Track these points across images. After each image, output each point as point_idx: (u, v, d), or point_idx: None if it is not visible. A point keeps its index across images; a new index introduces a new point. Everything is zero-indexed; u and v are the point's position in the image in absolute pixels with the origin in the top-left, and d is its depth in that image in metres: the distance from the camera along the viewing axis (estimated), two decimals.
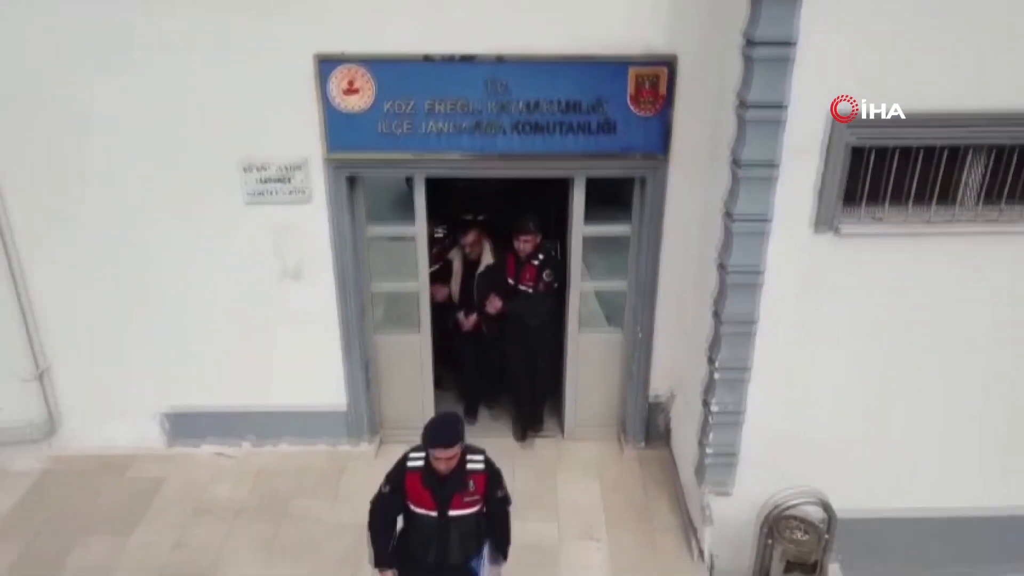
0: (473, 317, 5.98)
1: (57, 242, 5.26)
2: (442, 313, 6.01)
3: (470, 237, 5.94)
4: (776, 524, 4.64)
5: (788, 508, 4.58)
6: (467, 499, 3.88)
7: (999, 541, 5.16)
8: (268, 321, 5.50)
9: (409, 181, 5.40)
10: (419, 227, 5.45)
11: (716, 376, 4.63)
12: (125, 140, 4.97)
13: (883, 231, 4.30)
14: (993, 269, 4.41)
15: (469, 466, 3.87)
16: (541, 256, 5.65)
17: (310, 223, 5.21)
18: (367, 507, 4.01)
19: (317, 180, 5.08)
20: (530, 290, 5.69)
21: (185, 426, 5.78)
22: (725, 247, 4.37)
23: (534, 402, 6.12)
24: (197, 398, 5.70)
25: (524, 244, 5.60)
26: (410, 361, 5.85)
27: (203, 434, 5.82)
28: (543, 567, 4.97)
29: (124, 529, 5.23)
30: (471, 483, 3.87)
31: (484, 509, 3.95)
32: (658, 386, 5.81)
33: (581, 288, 5.70)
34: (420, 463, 3.84)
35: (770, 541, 4.63)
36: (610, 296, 5.90)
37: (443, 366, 6.23)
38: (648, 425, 5.93)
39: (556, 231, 6.04)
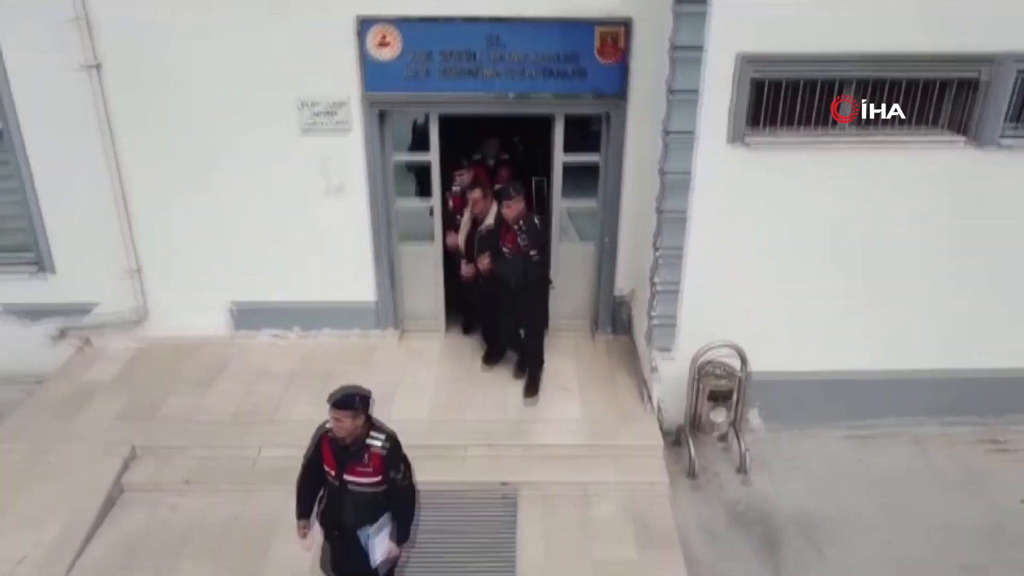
0: (470, 267, 6.71)
1: (153, 165, 6.74)
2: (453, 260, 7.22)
3: (476, 193, 6.55)
4: (702, 369, 6.13)
5: (710, 350, 6.06)
6: (360, 470, 4.26)
7: (884, 397, 6.65)
8: (314, 230, 6.97)
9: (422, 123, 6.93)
10: (433, 156, 6.94)
11: (659, 259, 6.12)
12: (212, 81, 6.45)
13: (779, 142, 5.79)
14: (863, 172, 5.89)
15: (369, 441, 4.26)
16: (522, 223, 6.26)
17: (349, 150, 6.70)
18: (393, 376, 5.37)
19: (356, 115, 6.57)
20: (509, 254, 6.37)
21: (247, 317, 7.27)
22: (664, 157, 5.84)
23: (521, 351, 6.86)
24: (257, 294, 7.19)
25: (507, 210, 6.25)
26: (425, 266, 7.32)
27: (260, 324, 7.32)
28: (532, 408, 6.47)
29: (203, 386, 6.74)
30: (367, 456, 4.25)
31: (386, 488, 4.34)
32: (622, 286, 7.28)
33: (560, 207, 7.19)
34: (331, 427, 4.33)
35: (697, 380, 6.13)
36: (583, 214, 7.38)
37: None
38: (614, 318, 7.42)
39: (544, 168, 7.51)
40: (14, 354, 7.16)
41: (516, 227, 6.27)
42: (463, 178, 6.98)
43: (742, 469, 6.29)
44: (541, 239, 6.43)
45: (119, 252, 6.95)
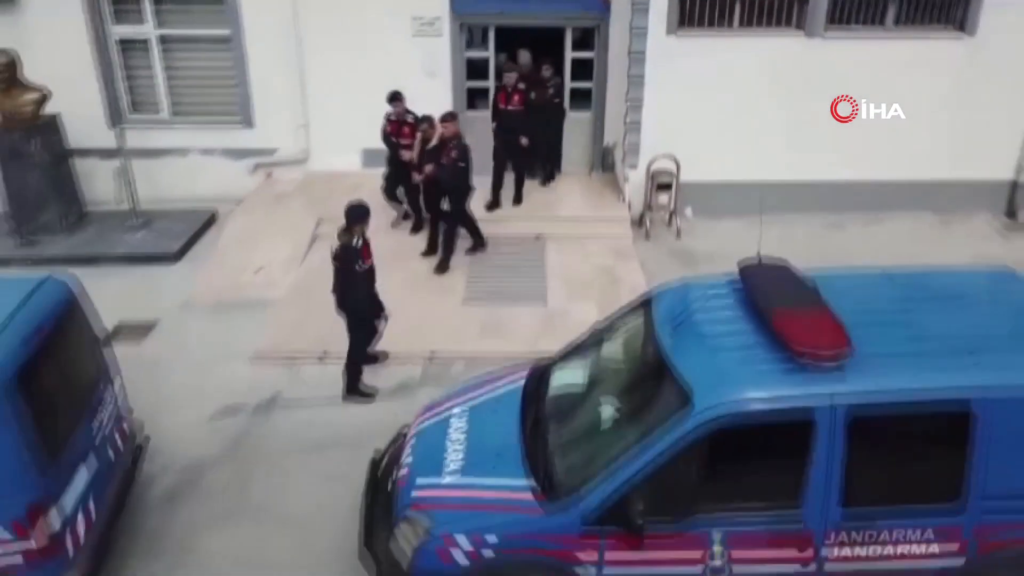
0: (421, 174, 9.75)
1: (322, 58, 10.93)
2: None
3: (427, 124, 9.62)
4: (654, 174, 10.34)
5: (657, 160, 10.27)
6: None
7: (793, 199, 10.79)
8: (421, 98, 11.01)
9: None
10: (490, 52, 11.17)
11: (628, 106, 10.33)
12: (358, 2, 10.67)
13: (693, 34, 10.03)
14: (741, 51, 10.11)
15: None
16: (455, 141, 9.11)
17: (441, 48, 10.93)
18: None
19: (445, 26, 10.79)
20: (447, 163, 9.12)
21: (372, 158, 11.45)
22: (630, 44, 10.06)
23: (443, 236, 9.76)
24: (379, 143, 11.38)
25: (444, 129, 9.23)
26: (486, 127, 11.54)
27: (381, 163, 11.50)
28: (548, 205, 10.70)
29: (353, 194, 10.94)
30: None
31: None
32: (608, 139, 11.51)
33: (568, 86, 11.41)
34: None
35: (650, 180, 10.34)
36: (582, 92, 11.58)
37: None
38: (603, 161, 11.64)
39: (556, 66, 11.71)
40: (225, 182, 11.37)
41: (452, 143, 9.24)
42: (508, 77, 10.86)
43: (677, 236, 10.53)
44: (467, 154, 9.24)
45: (294, 113, 11.18)
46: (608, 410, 4.95)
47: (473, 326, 8.45)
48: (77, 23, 10.63)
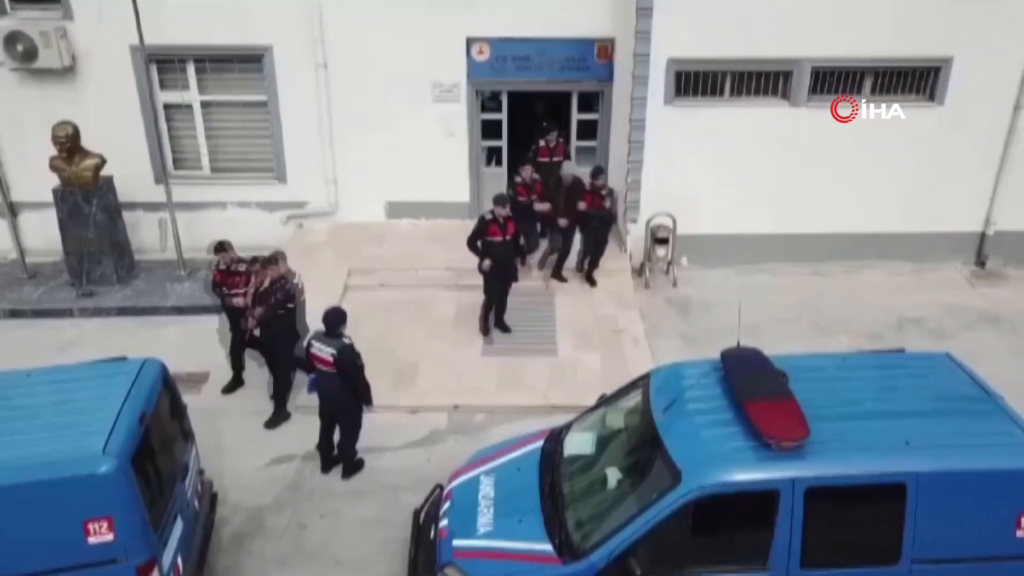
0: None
1: (347, 120, 11.98)
2: None
3: (257, 267, 9.04)
4: (653, 228, 11.37)
5: (656, 217, 11.30)
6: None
7: (779, 250, 11.82)
8: (439, 155, 12.18)
9: (495, 98, 12.21)
10: (503, 115, 12.20)
11: (629, 168, 11.36)
12: (385, 69, 11.69)
13: (689, 104, 11.06)
14: (732, 120, 11.15)
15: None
16: (280, 284, 8.65)
17: (459, 112, 11.96)
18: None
19: (463, 92, 11.83)
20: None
21: (395, 209, 12.52)
22: (631, 111, 11.08)
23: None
24: (401, 196, 12.44)
25: (273, 271, 8.67)
26: (499, 181, 12.56)
27: (403, 214, 12.55)
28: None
29: (377, 244, 12.01)
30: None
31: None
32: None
33: (575, 144, 12.44)
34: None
35: (650, 234, 11.37)
36: (587, 150, 12.60)
37: None
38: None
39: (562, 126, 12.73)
40: (261, 233, 12.40)
41: (276, 285, 8.69)
42: (525, 173, 11.25)
43: (674, 284, 11.56)
44: (293, 297, 8.76)
45: (324, 170, 12.22)
46: (612, 478, 5.99)
47: (491, 377, 9.50)
48: (129, 91, 11.69)
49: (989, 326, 10.74)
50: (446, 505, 6.44)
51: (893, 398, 5.95)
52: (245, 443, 8.55)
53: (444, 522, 6.25)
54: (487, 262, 9.82)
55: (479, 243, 9.85)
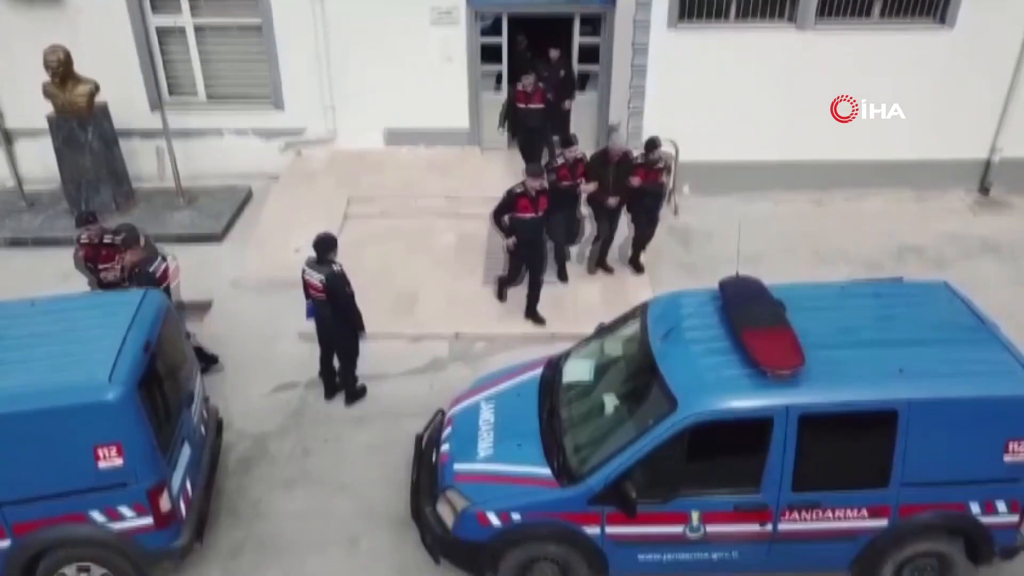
0: None
1: (344, 45, 11.72)
2: None
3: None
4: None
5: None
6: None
7: (782, 177, 11.72)
8: (438, 81, 11.97)
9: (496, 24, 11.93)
10: (503, 39, 11.92)
11: (632, 93, 11.17)
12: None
13: (692, 27, 10.79)
14: (735, 43, 10.90)
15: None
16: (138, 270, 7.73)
17: (458, 35, 11.69)
18: (479, 169, 10.50)
19: (462, 14, 11.54)
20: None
21: (394, 136, 12.38)
22: (634, 36, 10.83)
23: None
24: (400, 122, 12.27)
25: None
26: (495, 106, 12.37)
27: (403, 141, 12.42)
28: None
29: (377, 173, 11.93)
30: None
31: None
32: (613, 119, 12.36)
33: (576, 68, 12.19)
34: None
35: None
36: (592, 74, 12.36)
37: None
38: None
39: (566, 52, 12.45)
40: (258, 160, 12.32)
41: (136, 270, 7.84)
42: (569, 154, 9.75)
43: (675, 213, 11.50)
44: (150, 280, 7.70)
45: (321, 96, 12.03)
46: (609, 405, 6.10)
47: (492, 306, 9.55)
48: (120, 15, 11.42)
49: (990, 255, 10.73)
50: (447, 430, 6.57)
51: (889, 327, 6.01)
52: (251, 371, 8.68)
53: (445, 447, 6.39)
54: (512, 240, 8.99)
55: (506, 218, 8.98)
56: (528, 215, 8.80)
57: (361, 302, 8.42)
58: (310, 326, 8.47)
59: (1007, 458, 5.55)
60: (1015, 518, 5.77)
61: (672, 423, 5.42)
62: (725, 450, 5.56)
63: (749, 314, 5.84)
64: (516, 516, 5.75)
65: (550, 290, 9.80)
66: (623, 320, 6.79)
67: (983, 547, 5.86)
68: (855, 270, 10.09)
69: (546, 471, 5.81)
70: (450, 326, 9.25)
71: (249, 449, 7.71)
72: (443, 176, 11.89)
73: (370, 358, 8.72)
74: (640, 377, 6.01)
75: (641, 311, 6.50)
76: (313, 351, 8.60)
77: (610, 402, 6.15)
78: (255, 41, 11.87)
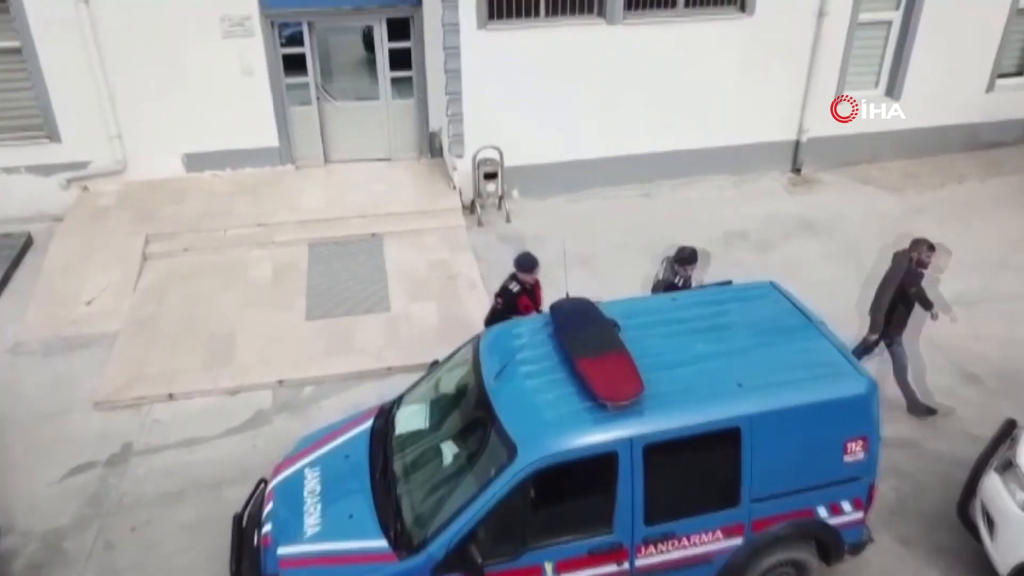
0: None
1: (130, 64, 10.46)
2: None
3: None
4: (479, 162, 10.81)
5: (482, 151, 10.75)
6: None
7: (608, 173, 11.56)
8: (239, 97, 10.95)
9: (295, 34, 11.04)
10: (307, 49, 11.07)
11: (449, 100, 10.66)
12: (157, 4, 10.25)
13: (501, 27, 10.41)
14: (542, 40, 10.64)
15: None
16: None
17: (256, 46, 10.72)
18: (296, 187, 9.64)
19: (256, 24, 10.57)
20: None
21: (195, 161, 11.24)
22: (444, 39, 10.30)
23: None
24: (201, 146, 11.14)
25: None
26: (310, 121, 11.51)
27: (204, 166, 11.30)
28: (383, 200, 10.98)
29: (178, 203, 10.77)
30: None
31: None
32: (434, 124, 11.80)
33: (388, 75, 11.54)
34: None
35: (477, 169, 10.81)
36: (404, 80, 11.74)
37: None
38: (431, 147, 11.96)
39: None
40: (37, 200, 10.82)
41: None
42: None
43: (507, 219, 11.13)
44: None
45: (105, 123, 10.70)
46: (447, 455, 5.55)
47: (319, 343, 8.76)
48: None
49: (807, 233, 11.06)
50: (268, 507, 5.80)
51: (723, 337, 5.80)
52: (36, 454, 7.44)
53: (267, 527, 5.62)
54: None
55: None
56: (532, 313, 7.22)
57: (169, 353, 7.47)
58: (107, 392, 7.39)
59: (847, 458, 5.50)
60: (859, 515, 5.76)
61: (513, 472, 4.94)
62: (573, 492, 5.16)
63: (583, 341, 5.46)
64: None
65: (382, 316, 9.21)
66: (455, 356, 6.26)
67: (834, 547, 5.81)
68: None
69: (382, 543, 5.18)
70: (273, 372, 8.37)
71: (38, 552, 6.56)
72: (254, 200, 10.90)
73: (182, 419, 7.77)
74: (476, 421, 5.49)
75: (473, 346, 6.00)
76: (112, 422, 7.55)
77: (448, 452, 5.60)
78: (16, 66, 10.39)
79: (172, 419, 7.81)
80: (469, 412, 5.69)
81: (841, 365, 5.58)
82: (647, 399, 5.12)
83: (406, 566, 5.06)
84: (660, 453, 5.11)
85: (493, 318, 7.22)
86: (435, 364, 6.47)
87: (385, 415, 6.16)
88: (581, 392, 5.21)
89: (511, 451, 5.01)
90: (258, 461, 7.24)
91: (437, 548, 5.01)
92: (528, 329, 5.93)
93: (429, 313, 9.28)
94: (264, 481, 6.31)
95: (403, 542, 5.17)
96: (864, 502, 5.72)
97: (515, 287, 7.37)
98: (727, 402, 5.24)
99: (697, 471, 5.32)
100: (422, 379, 6.40)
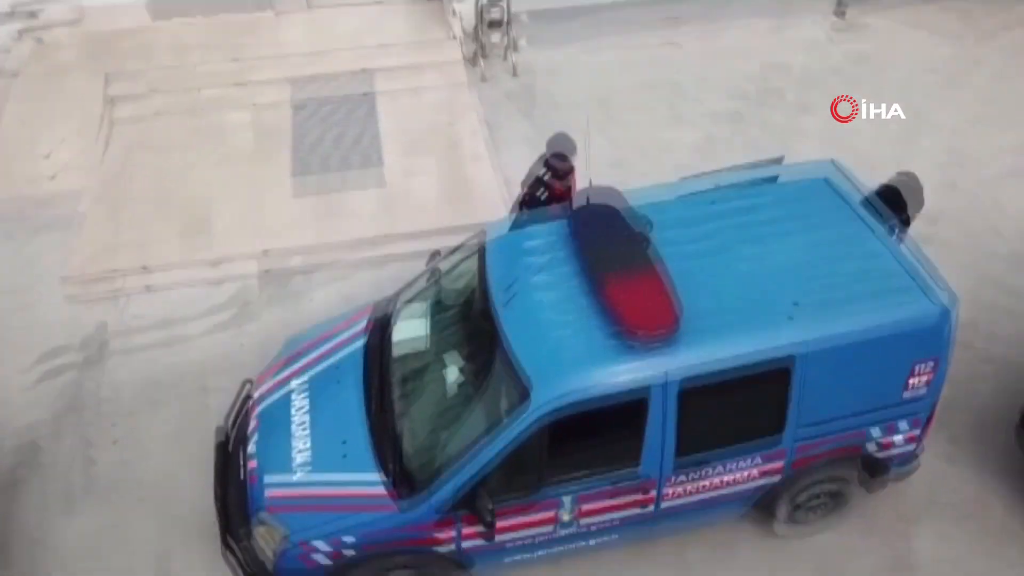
0: None
1: None
2: None
3: None
4: (482, 8, 9.45)
5: None
6: None
7: (631, 17, 10.15)
8: None
9: None
10: None
11: None
12: None
13: None
14: None
15: None
16: None
17: None
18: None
19: None
20: None
21: (160, 6, 9.85)
22: None
23: None
24: None
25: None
26: None
27: (171, 13, 9.87)
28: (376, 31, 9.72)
29: (144, 56, 9.54)
30: None
31: None
32: None
33: None
34: None
35: (480, 16, 9.49)
36: None
37: None
38: None
39: None
40: None
41: None
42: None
43: (514, 73, 9.92)
44: None
45: None
46: (451, 382, 4.91)
47: (307, 214, 7.88)
48: None
49: (851, 86, 9.87)
50: (253, 427, 5.21)
51: (774, 243, 4.91)
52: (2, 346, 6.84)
53: (253, 454, 5.05)
54: None
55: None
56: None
57: (140, 232, 6.70)
58: (77, 275, 6.69)
59: (910, 383, 4.84)
60: (912, 445, 5.19)
61: (526, 417, 4.30)
62: (595, 432, 4.52)
63: (608, 258, 4.64)
64: (350, 550, 4.62)
65: (377, 188, 8.30)
66: (459, 256, 5.45)
67: (880, 469, 5.22)
68: (717, 128, 9.03)
69: (380, 483, 4.64)
70: (257, 243, 7.54)
71: (13, 462, 6.07)
72: (230, 53, 9.62)
73: (161, 311, 7.11)
74: (484, 348, 4.77)
75: (479, 253, 5.17)
76: (85, 308, 6.93)
77: (452, 378, 4.95)
78: None
79: (151, 312, 7.14)
80: (476, 336, 4.97)
81: (917, 278, 4.76)
82: (684, 330, 4.38)
83: (407, 512, 4.54)
84: (697, 391, 4.45)
85: (521, 206, 6.23)
86: (435, 255, 5.69)
87: (380, 327, 5.46)
88: (606, 321, 4.47)
89: (524, 393, 4.34)
90: (244, 359, 6.63)
91: (440, 496, 4.48)
92: (543, 238, 5.07)
93: (428, 184, 8.31)
94: (249, 382, 5.70)
95: (403, 483, 4.63)
96: (921, 428, 5.13)
97: (544, 173, 6.25)
98: (779, 331, 4.49)
99: (740, 405, 4.66)
100: (420, 279, 5.63)
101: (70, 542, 5.66)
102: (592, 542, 4.95)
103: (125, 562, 5.53)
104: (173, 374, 6.70)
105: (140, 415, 6.41)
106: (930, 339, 4.68)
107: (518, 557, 4.88)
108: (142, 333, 6.99)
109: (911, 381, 4.80)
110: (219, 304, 7.26)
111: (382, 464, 4.70)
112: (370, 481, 4.66)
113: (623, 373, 4.35)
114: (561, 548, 4.92)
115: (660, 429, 4.52)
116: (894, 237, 5.04)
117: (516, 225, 5.29)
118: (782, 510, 5.22)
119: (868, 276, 4.78)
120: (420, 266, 7.67)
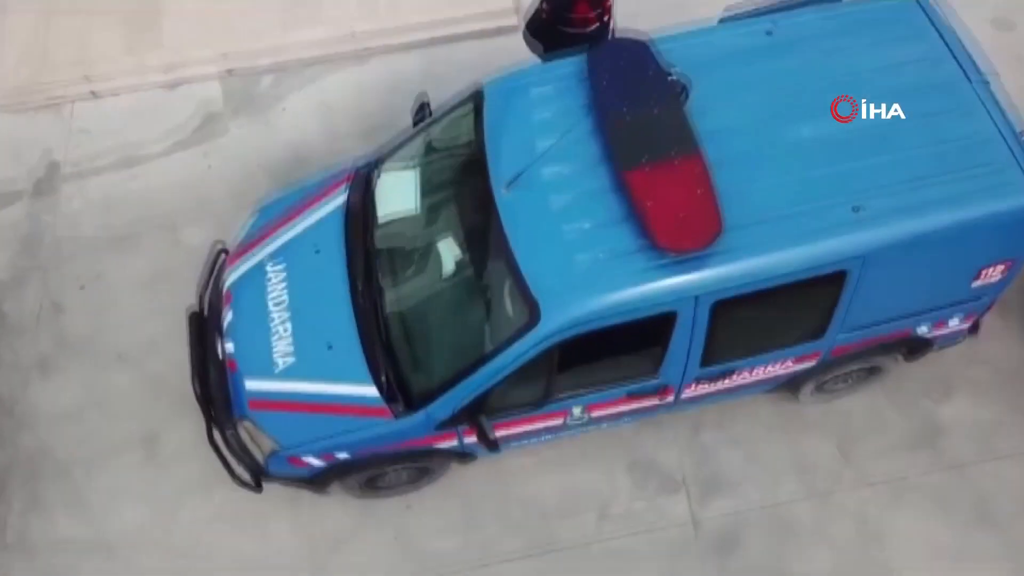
0: None
1: None
2: None
3: None
4: None
5: None
6: None
7: None
8: None
9: None
10: None
11: None
12: None
13: None
14: None
15: None
16: None
17: None
18: None
19: None
20: None
21: None
22: None
23: None
24: None
25: None
26: None
27: None
28: None
29: None
30: None
31: None
32: None
33: None
34: None
35: None
36: None
37: None
38: None
39: None
40: None
41: None
42: None
43: None
44: None
45: None
46: (447, 263, 4.18)
47: (273, 13, 6.48)
48: None
49: None
50: (228, 312, 4.59)
51: (838, 115, 3.87)
52: None
53: (230, 345, 4.49)
54: None
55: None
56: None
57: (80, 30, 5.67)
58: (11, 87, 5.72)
59: (976, 283, 4.16)
60: (964, 327, 4.62)
61: (534, 339, 3.69)
62: (611, 348, 3.95)
63: (635, 134, 3.69)
64: (343, 454, 4.27)
65: None
66: (451, 111, 4.46)
67: (924, 347, 4.71)
68: None
69: (372, 391, 4.13)
70: (216, 46, 6.33)
71: None
72: None
73: (114, 125, 6.16)
74: (485, 236, 4.01)
75: (475, 115, 4.17)
76: (24, 125, 6.09)
77: (449, 257, 4.22)
78: None
79: (101, 127, 6.17)
80: (474, 212, 4.16)
81: (1004, 158, 3.83)
82: (724, 236, 3.59)
83: (403, 424, 4.12)
84: (732, 306, 3.78)
85: (537, 29, 5.06)
86: (423, 108, 4.63)
87: (362, 185, 4.62)
88: (630, 220, 3.68)
89: (531, 312, 3.68)
90: (216, 188, 5.88)
91: (439, 408, 4.03)
92: (554, 91, 4.04)
93: None
94: (224, 251, 4.98)
95: (399, 390, 4.14)
96: (977, 318, 4.56)
97: None
98: (838, 235, 3.67)
99: (777, 315, 4.03)
100: (406, 144, 4.64)
101: (49, 415, 5.24)
102: (604, 426, 4.63)
103: (109, 436, 5.18)
104: (136, 204, 5.93)
105: (105, 255, 5.74)
106: (1015, 231, 3.89)
107: (524, 442, 4.57)
108: (95, 156, 6.10)
109: (984, 272, 4.12)
110: (178, 116, 6.25)
111: (374, 374, 4.18)
112: (363, 395, 4.16)
113: (649, 291, 3.65)
114: (569, 434, 4.60)
115: (687, 342, 3.93)
116: (993, 90, 4.04)
117: (520, 82, 4.22)
118: (808, 386, 4.82)
119: (958, 147, 3.85)
120: (406, 60, 6.69)
